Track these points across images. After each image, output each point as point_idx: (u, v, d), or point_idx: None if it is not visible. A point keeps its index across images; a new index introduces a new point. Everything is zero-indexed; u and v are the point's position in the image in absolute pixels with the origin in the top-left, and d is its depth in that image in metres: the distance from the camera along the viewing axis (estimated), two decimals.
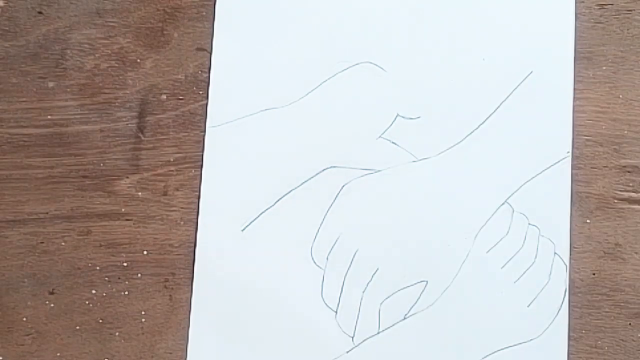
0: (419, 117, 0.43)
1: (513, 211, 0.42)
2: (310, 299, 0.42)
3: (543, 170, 0.42)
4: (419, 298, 0.42)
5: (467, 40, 0.43)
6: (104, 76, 0.44)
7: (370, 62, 0.43)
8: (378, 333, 0.42)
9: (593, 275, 0.42)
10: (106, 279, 0.43)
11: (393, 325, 0.42)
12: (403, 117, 0.43)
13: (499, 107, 0.43)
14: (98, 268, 0.43)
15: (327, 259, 0.42)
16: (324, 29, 0.44)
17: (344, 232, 0.42)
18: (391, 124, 0.43)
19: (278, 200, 0.43)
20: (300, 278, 0.42)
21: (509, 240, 0.42)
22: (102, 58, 0.44)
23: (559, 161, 0.42)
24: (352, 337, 0.42)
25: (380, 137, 0.43)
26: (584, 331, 0.42)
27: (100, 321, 0.43)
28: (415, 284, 0.42)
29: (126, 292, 0.43)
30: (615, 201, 0.42)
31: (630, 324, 0.42)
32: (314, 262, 0.42)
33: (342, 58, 0.44)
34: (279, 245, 0.43)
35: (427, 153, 0.43)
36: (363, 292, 0.42)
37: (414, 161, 0.43)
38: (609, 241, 0.42)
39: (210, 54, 0.44)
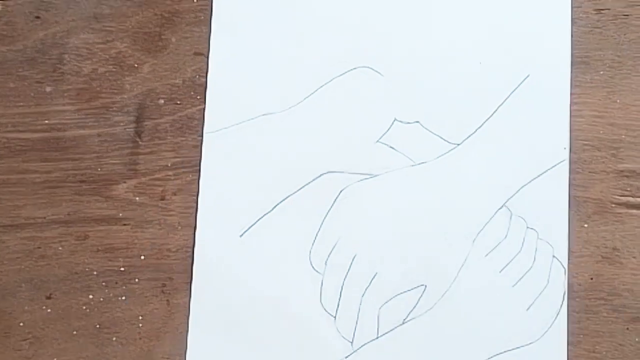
0: (416, 122, 0.43)
1: (511, 214, 0.42)
2: (309, 304, 0.42)
3: (541, 174, 0.42)
4: (417, 302, 0.42)
5: (464, 45, 0.44)
6: (101, 81, 0.44)
7: (368, 67, 0.44)
8: (377, 338, 0.42)
9: (591, 280, 0.42)
10: (103, 283, 0.43)
11: (392, 329, 0.42)
12: (400, 121, 0.43)
13: (496, 110, 0.43)
14: (95, 273, 0.43)
15: (325, 263, 0.42)
16: (321, 34, 0.44)
17: (343, 237, 0.42)
18: (389, 129, 0.43)
19: (276, 205, 0.43)
20: (299, 283, 0.42)
21: (507, 244, 0.42)
22: (99, 62, 0.44)
23: (556, 164, 0.42)
24: (351, 342, 0.42)
25: (377, 141, 0.43)
26: (582, 335, 0.42)
27: (98, 326, 0.43)
28: (413, 288, 0.42)
29: (123, 297, 0.43)
30: (613, 205, 0.42)
31: (628, 328, 0.42)
32: (313, 267, 0.42)
33: (340, 62, 0.44)
34: (278, 250, 0.42)
35: (424, 157, 0.43)
36: (362, 296, 0.42)
37: (412, 165, 0.43)
38: (606, 245, 0.42)
39: (208, 58, 0.44)
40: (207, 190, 0.43)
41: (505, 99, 0.43)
